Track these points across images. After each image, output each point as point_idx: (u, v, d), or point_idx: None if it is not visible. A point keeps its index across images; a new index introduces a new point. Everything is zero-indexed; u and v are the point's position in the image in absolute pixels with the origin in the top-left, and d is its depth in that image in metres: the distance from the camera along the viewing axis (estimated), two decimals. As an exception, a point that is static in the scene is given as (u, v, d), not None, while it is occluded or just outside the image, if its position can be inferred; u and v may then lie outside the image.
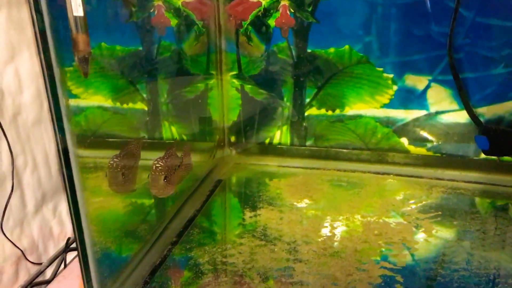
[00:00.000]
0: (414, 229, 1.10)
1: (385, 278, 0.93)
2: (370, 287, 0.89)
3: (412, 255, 1.01)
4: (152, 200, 1.26)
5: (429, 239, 1.05)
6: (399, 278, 0.93)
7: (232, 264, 0.97)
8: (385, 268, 0.96)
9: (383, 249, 1.02)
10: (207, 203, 1.25)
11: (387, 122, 1.44)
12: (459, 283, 0.91)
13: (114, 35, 1.51)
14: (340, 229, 1.11)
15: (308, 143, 1.52)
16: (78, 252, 0.78)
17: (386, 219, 1.14)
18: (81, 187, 0.78)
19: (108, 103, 1.58)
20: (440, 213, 1.18)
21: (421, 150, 1.43)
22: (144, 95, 1.54)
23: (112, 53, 1.53)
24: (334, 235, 1.08)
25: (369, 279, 0.92)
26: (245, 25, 1.46)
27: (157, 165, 1.01)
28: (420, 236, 1.07)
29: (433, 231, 1.09)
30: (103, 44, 1.51)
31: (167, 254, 1.01)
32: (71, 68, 1.56)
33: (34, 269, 1.24)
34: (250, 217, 1.17)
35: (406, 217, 1.15)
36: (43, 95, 1.37)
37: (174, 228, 1.10)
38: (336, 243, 1.04)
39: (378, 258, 0.99)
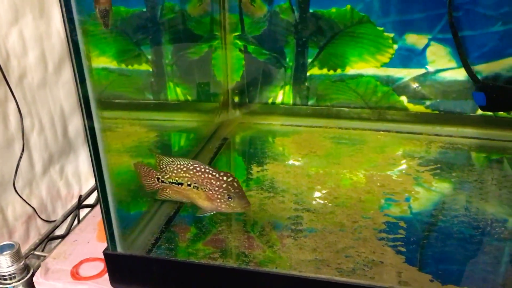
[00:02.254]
0: (414, 180, 1.15)
1: (389, 224, 0.99)
2: (375, 232, 0.95)
3: (414, 203, 1.06)
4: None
5: (429, 189, 1.11)
6: (402, 223, 0.99)
7: (243, 214, 1.02)
8: (389, 215, 1.02)
9: (386, 199, 1.07)
10: (214, 159, 1.30)
11: (387, 81, 1.47)
12: (458, 227, 0.97)
13: (117, -3, 1.51)
14: (344, 181, 1.16)
15: (310, 102, 1.55)
16: (100, 201, 0.82)
17: (388, 172, 1.19)
18: (103, 140, 0.81)
19: (113, 64, 1.60)
20: (438, 165, 1.23)
21: (420, 108, 1.48)
22: (149, 57, 1.56)
23: (117, 15, 1.54)
24: (339, 186, 1.13)
25: (374, 225, 0.98)
26: (248, -14, 1.47)
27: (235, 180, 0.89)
28: (421, 186, 1.12)
29: (433, 182, 1.14)
30: (106, 5, 1.51)
31: (180, 206, 1.05)
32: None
33: (44, 229, 1.29)
34: (258, 171, 1.22)
35: (407, 170, 1.21)
36: (48, 57, 1.39)
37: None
38: (341, 194, 1.09)
39: (382, 207, 1.04)
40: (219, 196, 0.88)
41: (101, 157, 0.80)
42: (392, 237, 0.94)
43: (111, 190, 0.81)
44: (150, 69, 1.58)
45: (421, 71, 1.44)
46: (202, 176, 0.89)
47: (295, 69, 1.53)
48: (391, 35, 1.43)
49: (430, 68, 1.43)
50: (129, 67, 1.60)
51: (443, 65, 1.42)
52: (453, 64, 1.41)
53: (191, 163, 0.91)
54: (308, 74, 1.53)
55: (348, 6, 1.42)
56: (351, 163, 1.25)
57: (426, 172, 1.19)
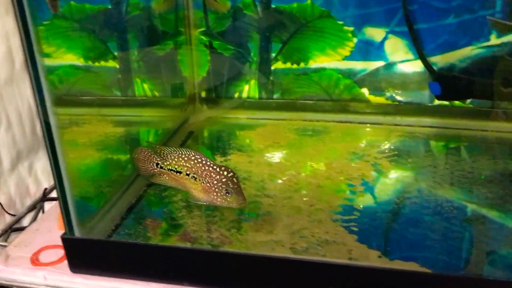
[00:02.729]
0: (372, 167, 1.19)
1: (344, 207, 1.03)
2: (330, 214, 0.99)
3: (370, 187, 1.11)
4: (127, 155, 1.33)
5: (385, 174, 1.15)
6: (356, 206, 1.03)
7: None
8: (346, 198, 1.06)
9: (343, 184, 1.11)
10: (181, 151, 1.32)
11: (349, 74, 1.52)
12: (409, 208, 1.01)
13: (82, -6, 1.53)
14: (304, 168, 1.19)
15: (275, 96, 1.59)
16: (57, 189, 0.84)
17: (347, 160, 1.23)
18: (59, 134, 0.83)
19: (80, 61, 1.61)
20: (396, 153, 1.28)
21: (381, 99, 1.52)
22: (115, 53, 1.58)
23: (82, 12, 1.56)
24: (299, 174, 1.17)
25: (330, 208, 1.01)
26: (211, -18, 1.50)
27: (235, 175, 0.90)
28: (377, 171, 1.16)
29: (389, 168, 1.19)
30: (72, 2, 1.54)
31: (142, 194, 1.08)
32: (41, 27, 1.58)
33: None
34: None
35: (366, 157, 1.25)
36: (15, 54, 1.39)
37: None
38: (300, 181, 1.13)
39: (338, 191, 1.08)
40: (216, 190, 0.89)
41: (57, 148, 0.81)
42: (346, 218, 0.98)
43: (68, 177, 0.83)
44: (117, 66, 1.60)
45: (380, 63, 1.49)
46: (203, 168, 0.91)
47: (260, 64, 1.57)
48: (351, 29, 1.47)
49: (389, 60, 1.48)
50: (96, 63, 1.61)
51: (401, 57, 1.47)
52: (410, 56, 1.46)
53: (193, 153, 0.93)
54: (272, 68, 1.57)
55: (309, 1, 1.47)
56: (312, 152, 1.29)
57: (384, 159, 1.24)
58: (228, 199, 0.90)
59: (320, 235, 0.91)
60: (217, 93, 1.63)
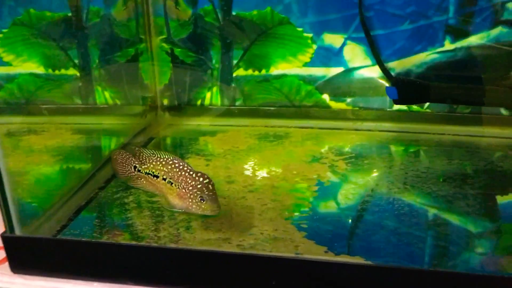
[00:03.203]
0: (328, 168, 1.20)
1: (297, 205, 1.02)
2: (281, 213, 0.98)
3: (324, 187, 1.11)
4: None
5: (340, 174, 1.16)
6: (308, 204, 1.03)
7: (156, 202, 1.04)
8: (298, 198, 1.05)
9: (298, 184, 1.11)
10: (137, 156, 1.30)
11: (310, 80, 1.53)
12: (362, 205, 1.02)
13: (42, 1, 1.53)
14: (261, 171, 1.19)
15: (237, 102, 1.59)
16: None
17: (305, 163, 1.23)
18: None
19: (40, 69, 1.60)
20: (354, 155, 1.29)
21: (341, 105, 1.54)
22: (76, 61, 1.57)
23: (42, 20, 1.55)
24: (255, 176, 1.17)
25: (282, 207, 1.01)
26: (172, -11, 1.51)
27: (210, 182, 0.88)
28: (333, 172, 1.17)
29: (345, 168, 1.19)
30: (31, 10, 1.53)
31: (93, 196, 1.06)
32: (0, 35, 1.58)
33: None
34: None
35: (323, 160, 1.25)
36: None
37: (103, 176, 1.15)
38: (256, 182, 1.12)
39: (292, 191, 1.08)
40: (191, 196, 0.87)
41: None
42: (297, 216, 0.97)
43: (8, 177, 0.81)
44: (78, 74, 1.59)
45: (340, 69, 1.51)
46: (179, 173, 0.89)
47: (222, 71, 1.57)
48: (310, 35, 1.49)
49: (348, 66, 1.50)
50: (56, 72, 1.60)
51: (359, 63, 1.49)
52: (368, 62, 1.48)
53: (171, 158, 0.91)
54: (234, 75, 1.57)
55: (269, 8, 1.48)
56: (271, 156, 1.29)
57: (341, 161, 1.25)
58: (203, 206, 0.87)
59: (269, 233, 0.90)
60: (179, 100, 1.62)
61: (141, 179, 0.95)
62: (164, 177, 0.91)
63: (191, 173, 0.88)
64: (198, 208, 0.87)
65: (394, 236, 0.90)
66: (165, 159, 0.91)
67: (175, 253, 0.81)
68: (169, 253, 0.81)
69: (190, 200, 0.87)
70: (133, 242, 0.87)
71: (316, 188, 1.10)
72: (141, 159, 0.95)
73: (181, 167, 0.89)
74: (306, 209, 1.01)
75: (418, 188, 1.07)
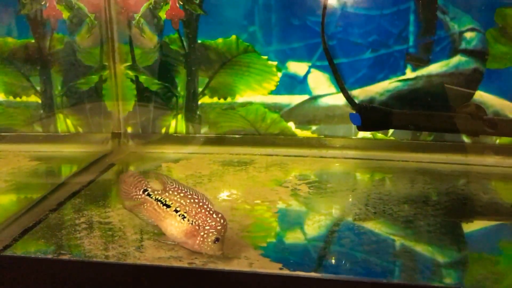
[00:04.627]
0: (290, 191, 1.18)
1: (255, 226, 0.99)
2: (238, 233, 0.95)
3: (284, 208, 1.08)
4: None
5: (302, 196, 1.14)
6: (266, 224, 1.00)
7: (109, 223, 0.99)
8: (257, 218, 1.02)
9: (258, 206, 1.08)
10: (95, 180, 1.27)
11: (275, 108, 1.53)
12: (319, 224, 0.99)
13: (5, 28, 1.52)
14: (220, 194, 1.16)
15: (202, 130, 1.58)
16: None
17: (267, 187, 1.21)
18: None
19: (0, 97, 1.57)
20: (317, 179, 1.27)
21: (307, 133, 1.54)
22: (38, 88, 1.55)
23: (4, 46, 1.53)
24: (214, 198, 1.13)
25: (239, 227, 0.98)
26: (137, 17, 1.52)
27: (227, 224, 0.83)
28: (294, 195, 1.15)
29: (307, 191, 1.17)
30: (-6, 36, 1.51)
31: (43, 218, 1.01)
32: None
33: None
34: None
35: (286, 184, 1.23)
36: None
37: (56, 198, 1.11)
38: (215, 204, 1.09)
39: (251, 212, 1.05)
40: (205, 235, 0.81)
41: None
42: (253, 236, 0.94)
43: None
44: (39, 101, 1.57)
45: (305, 97, 1.52)
46: (199, 209, 0.83)
47: (187, 98, 1.57)
48: (275, 63, 1.50)
49: (313, 93, 1.51)
50: (17, 99, 1.57)
51: (324, 90, 1.51)
52: (333, 89, 1.50)
53: (192, 192, 0.85)
54: (199, 103, 1.56)
55: (234, 36, 1.50)
56: (233, 180, 1.26)
57: (304, 184, 1.23)
58: (213, 246, 0.81)
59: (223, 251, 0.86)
60: (144, 128, 1.60)
61: (145, 205, 0.88)
62: (178, 209, 0.84)
63: (211, 212, 0.83)
64: (207, 247, 0.82)
65: (345, 251, 0.88)
66: (184, 191, 0.86)
67: (122, 269, 0.76)
68: (114, 269, 0.77)
69: (202, 238, 0.82)
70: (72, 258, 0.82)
71: (275, 209, 1.07)
72: (166, 186, 0.88)
73: (201, 203, 0.83)
74: (264, 229, 0.98)
75: (379, 209, 1.05)
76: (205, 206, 0.84)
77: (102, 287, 0.77)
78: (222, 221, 0.83)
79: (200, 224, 0.83)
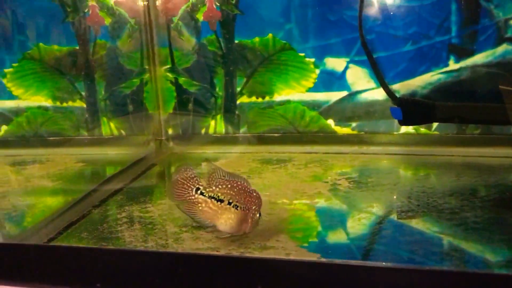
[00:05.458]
0: (330, 186, 1.16)
1: (293, 218, 0.98)
2: (277, 224, 0.94)
3: (323, 202, 1.06)
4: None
5: (342, 191, 1.11)
6: (305, 217, 0.98)
7: (150, 217, 1.01)
8: (294, 212, 1.01)
9: (297, 200, 1.07)
10: (137, 179, 1.29)
11: (314, 105, 1.52)
12: (364, 217, 0.97)
13: (51, 36, 1.58)
14: (259, 189, 1.15)
15: (241, 130, 1.58)
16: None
17: (306, 182, 1.19)
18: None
19: (48, 102, 1.63)
20: (357, 175, 1.25)
21: (347, 130, 1.51)
22: (83, 93, 1.60)
23: (50, 53, 1.60)
24: (253, 194, 1.13)
25: (277, 219, 0.97)
26: (176, 21, 1.55)
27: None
28: (334, 190, 1.12)
29: (348, 186, 1.15)
30: (41, 44, 1.58)
31: (86, 214, 1.04)
32: (11, 70, 1.63)
33: None
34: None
35: (325, 179, 1.21)
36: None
37: (98, 196, 1.13)
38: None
39: (290, 205, 1.04)
40: (253, 216, 0.83)
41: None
42: (292, 228, 0.93)
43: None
44: (84, 105, 1.61)
45: (344, 93, 1.49)
46: (244, 194, 0.83)
47: (225, 99, 1.58)
48: (312, 60, 1.49)
49: (352, 89, 1.48)
50: (64, 104, 1.63)
51: (363, 86, 1.48)
52: (372, 84, 1.47)
53: (234, 178, 0.85)
54: (238, 102, 1.57)
55: (270, 35, 1.50)
56: (271, 177, 1.26)
57: (343, 179, 1.20)
58: (258, 222, 0.84)
59: (260, 242, 0.86)
60: (184, 129, 1.62)
61: (200, 205, 0.85)
62: (231, 201, 0.84)
63: (251, 192, 0.84)
64: (255, 224, 0.84)
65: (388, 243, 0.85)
66: (231, 181, 0.85)
67: (158, 257, 0.77)
68: (152, 257, 0.78)
69: (251, 220, 0.83)
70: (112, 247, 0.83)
71: (315, 203, 1.05)
72: (210, 180, 0.86)
73: (244, 188, 0.84)
74: (302, 221, 0.96)
75: (423, 202, 1.01)
76: (247, 189, 0.85)
77: (138, 275, 0.78)
78: (259, 196, 0.84)
79: (249, 207, 0.83)
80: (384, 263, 0.75)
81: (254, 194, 0.85)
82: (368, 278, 0.69)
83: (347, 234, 0.92)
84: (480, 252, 0.81)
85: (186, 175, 0.88)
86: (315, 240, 0.89)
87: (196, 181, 0.87)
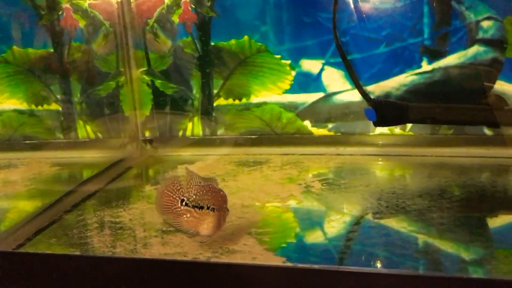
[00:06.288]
0: (303, 188, 1.16)
1: (264, 221, 0.98)
2: (246, 228, 0.94)
3: (295, 204, 1.07)
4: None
5: (313, 192, 1.12)
6: (275, 219, 0.99)
7: (120, 222, 1.01)
8: (267, 214, 1.02)
9: (269, 203, 1.07)
10: (112, 182, 1.29)
11: (290, 107, 1.52)
12: (333, 220, 0.97)
13: (25, 39, 1.57)
14: (232, 192, 1.16)
15: (219, 132, 1.58)
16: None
17: (279, 184, 1.20)
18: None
19: (23, 106, 1.62)
20: (331, 176, 1.25)
21: (323, 131, 1.52)
22: (58, 96, 1.59)
23: (25, 56, 1.58)
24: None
25: (248, 223, 0.97)
26: (151, 23, 1.54)
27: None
28: (306, 190, 1.13)
29: (320, 188, 1.15)
30: (15, 47, 1.57)
31: (57, 219, 1.03)
32: (-15, 74, 1.60)
33: None
34: (149, 190, 1.21)
35: (299, 181, 1.22)
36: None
37: (70, 201, 1.13)
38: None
39: (261, 208, 1.04)
40: (225, 213, 0.86)
41: None
42: (260, 231, 0.93)
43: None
44: (60, 108, 1.61)
45: (320, 95, 1.50)
46: (216, 195, 0.85)
47: (202, 101, 1.58)
48: (288, 62, 1.50)
49: (328, 91, 1.49)
50: (39, 107, 1.62)
51: (338, 87, 1.49)
52: (347, 86, 1.48)
53: (207, 182, 0.87)
54: (215, 104, 1.57)
55: (246, 37, 1.50)
56: (246, 179, 1.26)
57: (317, 181, 1.21)
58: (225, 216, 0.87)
59: (228, 246, 0.86)
60: (161, 131, 1.62)
61: (185, 216, 0.85)
62: (209, 205, 0.84)
63: (220, 191, 0.87)
64: (225, 219, 0.87)
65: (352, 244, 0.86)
66: (206, 186, 0.86)
67: (124, 263, 0.77)
68: (118, 263, 0.78)
69: (223, 217, 0.85)
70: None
71: (289, 204, 1.06)
72: (188, 187, 0.86)
73: (216, 189, 0.86)
74: (272, 224, 0.97)
75: (392, 203, 1.03)
76: (216, 189, 0.87)
77: (107, 282, 0.78)
78: (225, 194, 0.87)
79: (221, 206, 0.85)
80: (346, 267, 0.76)
81: (221, 193, 0.87)
82: (330, 282, 0.70)
83: (314, 237, 0.92)
84: (441, 253, 0.82)
85: (173, 187, 0.88)
86: (283, 243, 0.90)
87: (181, 193, 0.87)
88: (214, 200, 0.85)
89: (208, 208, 0.84)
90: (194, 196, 0.85)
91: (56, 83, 1.61)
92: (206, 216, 0.84)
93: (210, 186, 0.87)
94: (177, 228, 0.88)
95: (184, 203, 0.85)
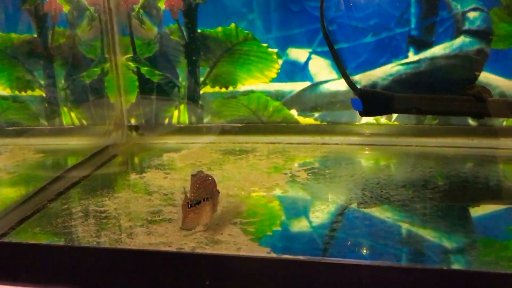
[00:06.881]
0: (289, 178, 1.17)
1: (248, 212, 0.99)
2: (230, 218, 0.94)
3: (280, 194, 1.07)
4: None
5: (298, 181, 1.13)
6: (260, 209, 0.99)
7: (105, 211, 1.00)
8: (252, 204, 1.02)
9: (254, 193, 1.08)
10: (97, 170, 1.28)
11: (277, 95, 1.52)
12: (317, 210, 0.98)
13: (8, 23, 1.54)
14: (217, 180, 1.15)
15: (205, 120, 1.58)
16: None
17: (265, 174, 1.20)
18: None
19: (6, 92, 1.60)
20: (317, 166, 1.26)
21: (310, 120, 1.52)
22: (42, 82, 1.57)
23: (8, 41, 1.55)
24: (211, 186, 1.13)
25: (233, 213, 0.97)
26: (137, 8, 1.52)
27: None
28: (292, 182, 1.14)
29: (306, 177, 1.16)
30: (-3, 32, 1.53)
31: (40, 208, 1.03)
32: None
33: None
34: (135, 178, 1.21)
35: (285, 171, 1.22)
36: None
37: (56, 189, 1.12)
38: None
39: (246, 198, 1.05)
40: (217, 196, 0.89)
41: None
42: (245, 221, 0.93)
43: None
44: (44, 94, 1.58)
45: (307, 84, 1.50)
46: (208, 183, 0.87)
47: (188, 88, 1.57)
48: (275, 50, 1.49)
49: (315, 80, 1.49)
50: (23, 93, 1.59)
51: (325, 76, 1.49)
52: (334, 75, 1.48)
53: (199, 175, 0.88)
54: (201, 92, 1.56)
55: (233, 25, 1.49)
56: (231, 168, 1.26)
57: (302, 171, 1.21)
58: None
59: (213, 236, 0.86)
60: (147, 119, 1.61)
61: (190, 214, 0.84)
62: (204, 197, 0.85)
63: (209, 178, 0.89)
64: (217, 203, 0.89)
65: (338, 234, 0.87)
66: (200, 180, 0.87)
67: (108, 253, 0.77)
68: (101, 253, 0.77)
69: (216, 201, 0.89)
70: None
71: (274, 194, 1.06)
72: (192, 188, 0.86)
73: (208, 178, 0.88)
74: (257, 214, 0.97)
75: (376, 194, 1.04)
76: (206, 177, 0.89)
77: (91, 272, 0.78)
78: (214, 178, 0.90)
79: (213, 192, 0.88)
80: (330, 258, 0.77)
81: (210, 178, 0.89)
82: (314, 273, 0.71)
83: (299, 226, 0.93)
84: (423, 243, 0.84)
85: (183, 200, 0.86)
86: (268, 233, 0.90)
87: (186, 197, 0.86)
88: (206, 190, 0.86)
89: (204, 200, 0.85)
90: (193, 195, 0.86)
91: (39, 69, 1.58)
92: (203, 207, 0.85)
93: (200, 177, 0.88)
94: (187, 229, 0.88)
95: (189, 205, 0.85)
